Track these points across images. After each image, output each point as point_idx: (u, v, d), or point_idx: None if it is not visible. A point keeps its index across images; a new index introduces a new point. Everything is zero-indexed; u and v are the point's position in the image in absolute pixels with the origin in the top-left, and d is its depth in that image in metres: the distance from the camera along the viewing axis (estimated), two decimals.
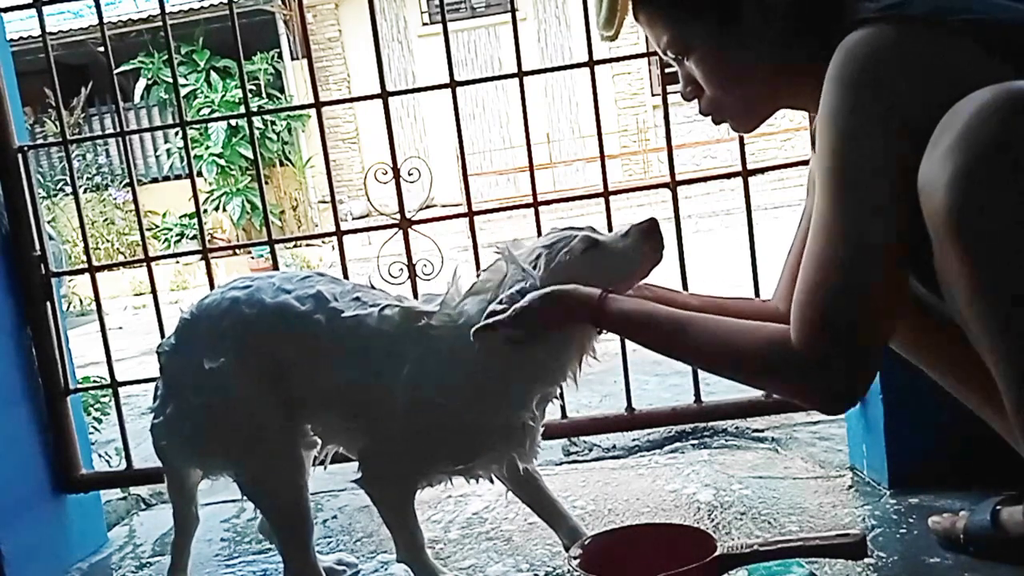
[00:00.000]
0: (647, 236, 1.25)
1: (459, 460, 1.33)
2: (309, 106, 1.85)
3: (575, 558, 1.21)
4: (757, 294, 1.73)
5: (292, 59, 11.94)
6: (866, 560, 1.30)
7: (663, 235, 1.26)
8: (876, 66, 0.97)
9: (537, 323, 1.20)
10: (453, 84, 1.77)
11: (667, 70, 1.82)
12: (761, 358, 1.07)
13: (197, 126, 9.24)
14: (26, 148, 1.77)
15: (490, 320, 1.21)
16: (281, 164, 11.65)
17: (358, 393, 1.32)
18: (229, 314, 1.35)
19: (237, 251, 9.62)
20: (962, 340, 0.96)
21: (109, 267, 2.42)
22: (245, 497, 1.41)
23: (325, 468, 1.42)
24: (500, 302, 1.23)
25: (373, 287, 1.41)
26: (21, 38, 7.92)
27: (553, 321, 1.21)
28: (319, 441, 1.41)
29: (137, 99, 11.33)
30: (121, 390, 1.87)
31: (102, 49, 1.90)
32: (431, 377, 1.28)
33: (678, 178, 1.76)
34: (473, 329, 1.22)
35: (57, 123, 1.98)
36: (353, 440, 1.38)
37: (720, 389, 2.06)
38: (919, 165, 0.92)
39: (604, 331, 1.24)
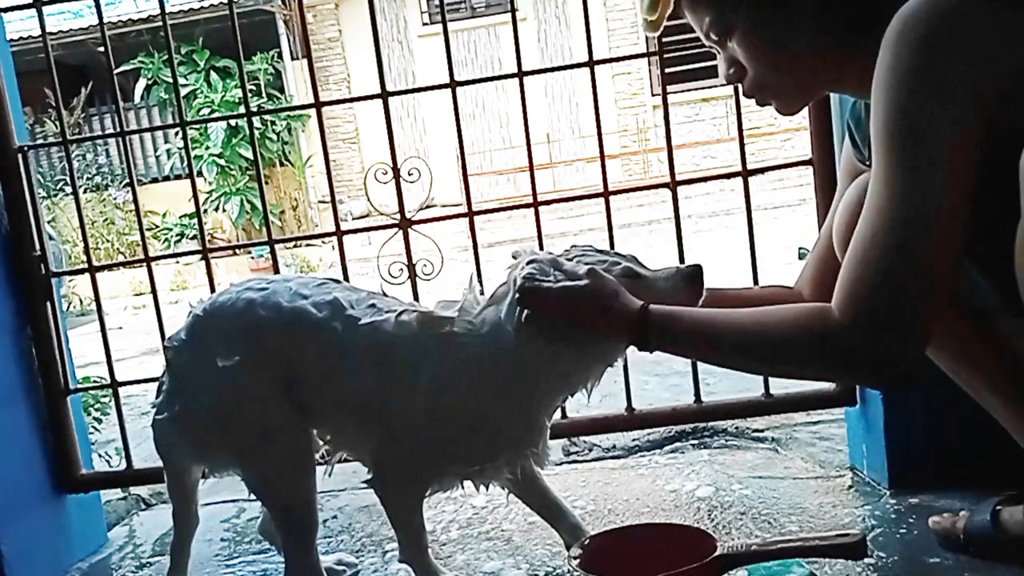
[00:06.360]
0: (689, 281, 1.23)
1: (476, 462, 1.33)
2: (309, 106, 1.85)
3: (575, 558, 1.21)
4: None
5: (292, 59, 11.93)
6: (866, 560, 1.30)
7: (704, 283, 1.24)
8: (941, 30, 0.94)
9: (581, 311, 1.16)
10: (453, 84, 1.77)
11: (669, 69, 1.84)
12: (805, 335, 1.02)
13: (197, 126, 9.24)
14: (26, 148, 1.77)
15: (538, 286, 1.18)
16: (281, 164, 11.63)
17: (374, 398, 1.32)
18: (244, 315, 1.35)
19: (237, 251, 9.61)
20: (979, 331, 0.95)
21: (109, 267, 2.41)
22: (253, 495, 1.40)
23: (329, 475, 1.41)
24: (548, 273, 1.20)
25: (386, 295, 1.41)
26: (21, 38, 7.92)
27: (592, 319, 1.17)
28: (329, 448, 1.40)
29: (137, 99, 11.31)
30: (121, 390, 1.87)
31: (102, 49, 1.90)
32: (455, 383, 1.28)
33: (678, 178, 1.76)
34: (520, 288, 1.19)
35: (57, 123, 1.98)
36: (364, 445, 1.37)
37: (720, 389, 2.06)
38: (990, 135, 0.90)
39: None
